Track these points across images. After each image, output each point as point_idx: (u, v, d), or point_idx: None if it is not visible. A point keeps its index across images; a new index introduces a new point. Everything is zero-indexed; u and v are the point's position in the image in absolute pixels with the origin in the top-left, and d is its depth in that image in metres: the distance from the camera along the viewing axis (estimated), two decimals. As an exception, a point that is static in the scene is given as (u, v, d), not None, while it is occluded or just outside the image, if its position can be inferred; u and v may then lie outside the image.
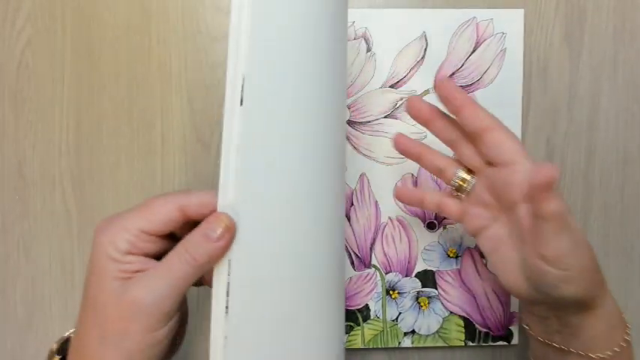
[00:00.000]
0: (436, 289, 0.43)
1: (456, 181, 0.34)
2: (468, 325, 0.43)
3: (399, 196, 0.38)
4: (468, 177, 0.34)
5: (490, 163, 0.33)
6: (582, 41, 0.43)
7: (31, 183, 0.44)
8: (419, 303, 0.43)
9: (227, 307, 0.26)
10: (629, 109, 0.43)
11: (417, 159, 0.36)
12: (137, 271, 0.25)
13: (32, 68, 0.44)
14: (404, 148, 0.36)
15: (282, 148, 0.28)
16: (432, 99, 0.36)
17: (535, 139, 0.43)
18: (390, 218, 0.43)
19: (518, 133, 0.43)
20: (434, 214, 0.43)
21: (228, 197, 0.26)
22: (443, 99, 0.33)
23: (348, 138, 0.43)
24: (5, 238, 0.45)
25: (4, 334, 0.45)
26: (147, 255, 0.26)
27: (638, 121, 0.43)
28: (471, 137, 0.33)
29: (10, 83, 0.44)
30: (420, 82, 0.42)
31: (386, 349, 0.44)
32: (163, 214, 0.26)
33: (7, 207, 0.45)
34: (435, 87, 0.35)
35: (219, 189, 0.26)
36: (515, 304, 0.43)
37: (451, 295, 0.43)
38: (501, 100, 0.42)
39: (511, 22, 0.42)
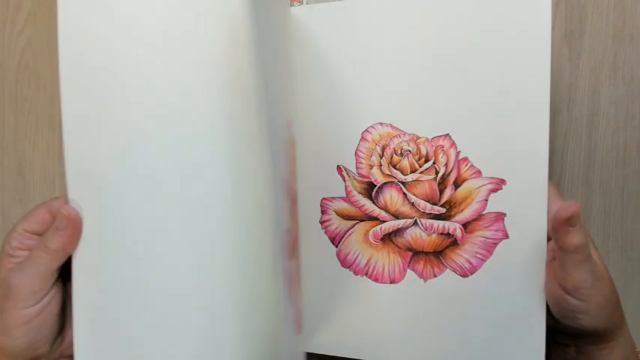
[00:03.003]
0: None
1: None
2: None
3: None
4: None
5: None
6: (582, 41, 0.43)
7: (31, 183, 0.45)
8: None
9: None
10: (629, 109, 0.43)
11: None
12: None
13: (32, 68, 0.44)
14: None
15: (132, 144, 0.31)
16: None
17: (535, 139, 0.43)
18: None
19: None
20: None
21: (73, 192, 0.32)
22: None
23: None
24: (5, 238, 0.45)
25: (4, 334, 0.46)
26: None
27: (638, 121, 0.43)
28: None
29: (10, 83, 0.44)
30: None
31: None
32: (37, 216, 0.33)
33: (7, 207, 0.45)
34: None
35: (67, 185, 0.31)
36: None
37: None
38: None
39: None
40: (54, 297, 0.32)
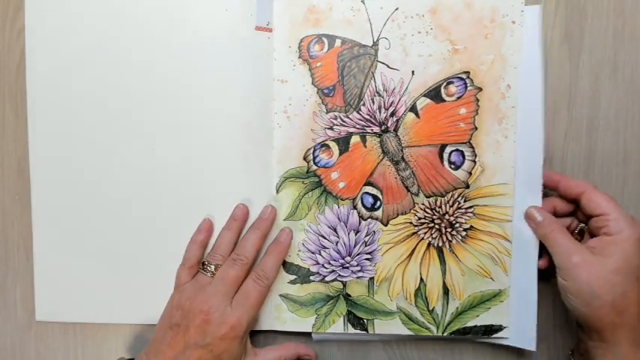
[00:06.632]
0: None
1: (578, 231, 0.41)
2: None
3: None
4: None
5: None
6: (582, 41, 0.43)
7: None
8: None
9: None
10: (629, 109, 0.43)
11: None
12: None
13: (32, 68, 0.44)
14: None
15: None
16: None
17: (535, 139, 0.43)
18: None
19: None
20: None
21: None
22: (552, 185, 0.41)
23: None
24: (5, 238, 0.45)
25: (4, 334, 0.46)
26: None
27: (638, 121, 0.43)
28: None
29: (10, 83, 0.44)
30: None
31: (384, 348, 0.44)
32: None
33: (7, 207, 0.45)
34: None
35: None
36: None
37: None
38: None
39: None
40: None
